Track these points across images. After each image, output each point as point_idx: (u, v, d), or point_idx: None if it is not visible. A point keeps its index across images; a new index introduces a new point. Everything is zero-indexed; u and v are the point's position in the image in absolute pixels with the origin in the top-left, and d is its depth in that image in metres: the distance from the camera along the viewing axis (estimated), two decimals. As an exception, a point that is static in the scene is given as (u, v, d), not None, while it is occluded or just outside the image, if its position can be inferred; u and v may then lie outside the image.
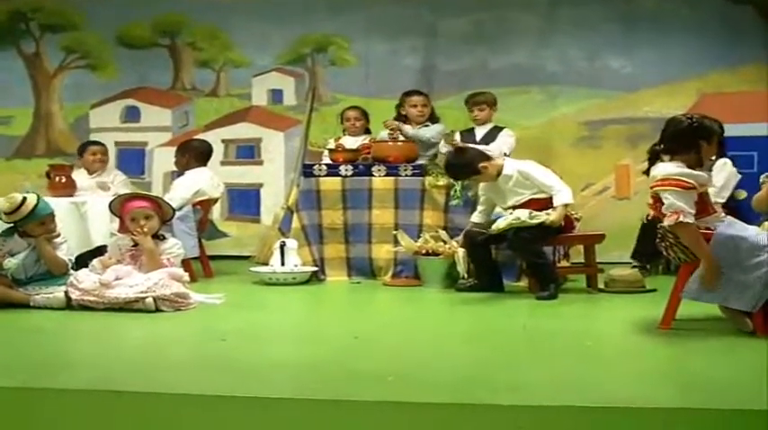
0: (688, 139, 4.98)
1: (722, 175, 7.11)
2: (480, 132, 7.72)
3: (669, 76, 9.08)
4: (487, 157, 6.71)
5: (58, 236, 6.15)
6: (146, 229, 6.13)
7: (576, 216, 6.80)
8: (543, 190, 6.55)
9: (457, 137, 7.59)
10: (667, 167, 4.90)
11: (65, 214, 6.54)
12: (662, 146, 5.02)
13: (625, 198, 9.07)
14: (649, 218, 5.24)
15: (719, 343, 4.70)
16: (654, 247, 5.34)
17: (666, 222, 4.83)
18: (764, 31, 9.00)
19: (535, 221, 6.38)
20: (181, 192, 7.48)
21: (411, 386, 3.75)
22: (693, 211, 4.80)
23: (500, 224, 6.44)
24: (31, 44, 9.89)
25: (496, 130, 7.71)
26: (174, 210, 6.62)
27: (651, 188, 4.98)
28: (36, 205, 6.01)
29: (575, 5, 9.23)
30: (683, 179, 4.83)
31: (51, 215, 6.13)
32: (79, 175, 7.92)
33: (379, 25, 9.49)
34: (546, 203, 6.52)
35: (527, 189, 6.59)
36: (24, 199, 6.01)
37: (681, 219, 4.75)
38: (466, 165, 6.69)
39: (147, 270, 5.94)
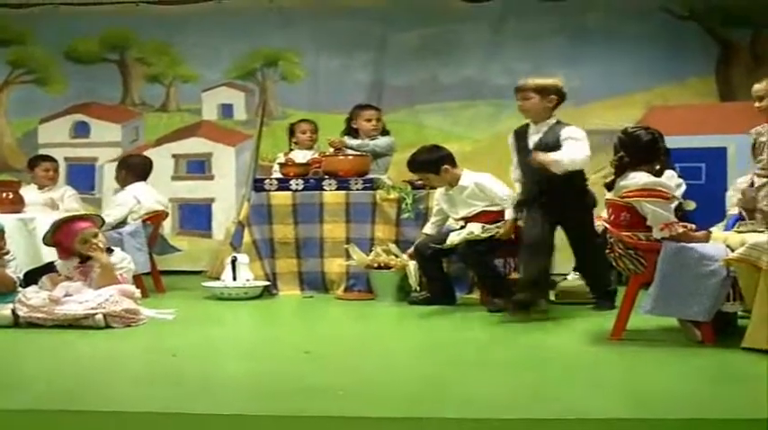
0: (651, 151, 5.15)
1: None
2: (535, 132, 6.35)
3: (616, 89, 9.18)
4: (453, 163, 6.74)
5: (8, 253, 6.09)
6: (100, 245, 6.09)
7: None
8: (496, 202, 6.59)
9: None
10: (641, 178, 4.99)
11: (12, 231, 6.45)
12: (627, 158, 5.09)
13: (574, 211, 9.13)
14: (606, 233, 5.27)
15: (669, 353, 4.74)
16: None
17: (658, 234, 4.88)
18: (709, 45, 9.15)
19: (487, 235, 6.42)
20: (116, 209, 7.47)
21: (363, 400, 3.75)
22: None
23: (454, 239, 6.46)
24: (-24, 59, 9.79)
25: (558, 128, 6.29)
26: (103, 220, 6.57)
27: (623, 197, 5.01)
28: None
29: (522, 19, 9.32)
30: (663, 189, 4.97)
31: (1, 232, 6.07)
32: (29, 191, 7.83)
33: (329, 39, 9.51)
34: (497, 216, 6.57)
35: (480, 201, 6.63)
36: None
37: (673, 232, 4.86)
38: (430, 162, 6.69)
39: (101, 285, 5.88)
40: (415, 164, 6.78)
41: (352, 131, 7.94)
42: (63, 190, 8.20)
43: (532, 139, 6.28)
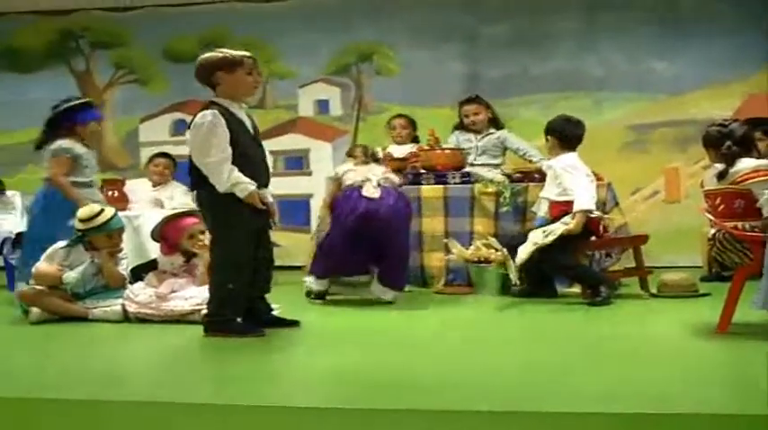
0: (747, 142, 5.17)
1: None
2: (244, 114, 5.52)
3: (714, 78, 9.06)
4: (568, 144, 6.71)
5: (121, 251, 6.28)
6: (206, 243, 6.19)
7: (601, 217, 6.66)
8: (567, 192, 6.52)
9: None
10: (750, 162, 5.00)
11: (119, 228, 6.63)
12: (735, 147, 5.08)
13: (675, 202, 9.04)
14: (712, 226, 5.20)
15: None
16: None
17: None
18: (810, 29, 8.96)
19: (552, 238, 6.37)
20: None
21: (465, 394, 3.76)
22: None
23: (521, 255, 6.45)
24: (82, 61, 10.07)
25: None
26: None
27: (738, 183, 4.96)
28: (111, 218, 6.18)
29: (615, 9, 9.26)
30: None
31: (121, 230, 6.30)
32: (141, 185, 8.04)
33: (422, 32, 9.55)
34: (566, 208, 6.48)
35: (556, 187, 6.60)
36: (102, 210, 6.17)
37: None
38: (549, 128, 6.78)
39: (205, 283, 5.98)
40: (548, 123, 6.87)
41: (462, 126, 7.94)
42: (173, 186, 8.35)
43: (248, 123, 5.44)
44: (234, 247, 5.28)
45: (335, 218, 6.65)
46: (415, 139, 8.22)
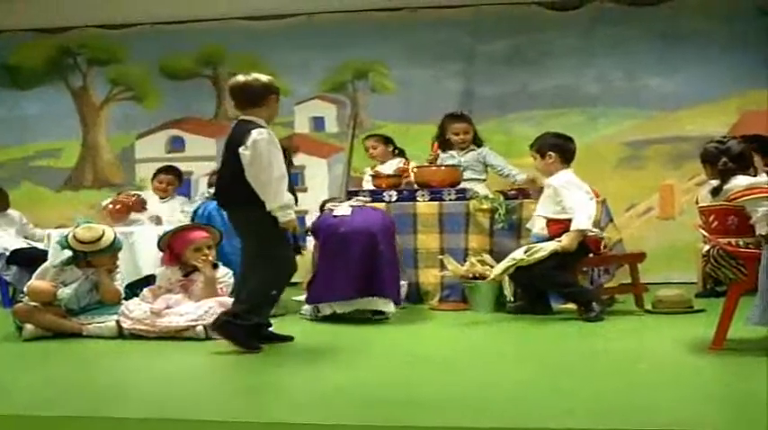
0: (745, 159, 5.17)
1: None
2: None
3: (710, 95, 9.07)
4: (563, 158, 6.73)
5: (118, 267, 6.30)
6: (210, 258, 6.20)
7: (600, 236, 6.72)
8: (566, 210, 6.53)
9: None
10: (744, 179, 5.02)
11: (115, 244, 6.64)
12: (731, 164, 5.11)
13: (670, 218, 9.04)
14: (706, 242, 5.21)
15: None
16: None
17: (764, 230, 4.84)
18: (806, 46, 8.98)
19: (537, 256, 6.38)
20: None
21: (462, 410, 3.77)
22: None
23: (496, 270, 6.51)
24: (79, 78, 10.08)
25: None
26: (221, 234, 6.68)
27: (731, 200, 4.99)
28: (114, 239, 6.22)
29: (613, 25, 9.26)
30: None
31: (118, 249, 6.33)
32: (150, 199, 8.18)
33: (418, 50, 9.55)
34: (565, 226, 6.50)
35: (555, 205, 6.60)
36: (104, 232, 6.18)
37: None
38: (544, 142, 6.78)
39: (203, 297, 6.00)
40: (536, 138, 6.89)
41: (444, 143, 7.95)
42: (178, 201, 8.40)
43: None
44: (282, 259, 5.40)
45: (319, 245, 6.78)
46: (401, 153, 8.26)
